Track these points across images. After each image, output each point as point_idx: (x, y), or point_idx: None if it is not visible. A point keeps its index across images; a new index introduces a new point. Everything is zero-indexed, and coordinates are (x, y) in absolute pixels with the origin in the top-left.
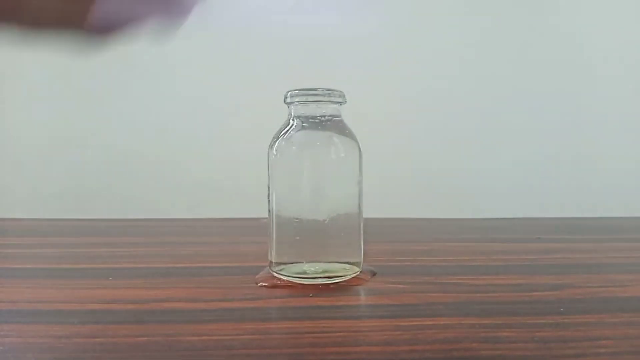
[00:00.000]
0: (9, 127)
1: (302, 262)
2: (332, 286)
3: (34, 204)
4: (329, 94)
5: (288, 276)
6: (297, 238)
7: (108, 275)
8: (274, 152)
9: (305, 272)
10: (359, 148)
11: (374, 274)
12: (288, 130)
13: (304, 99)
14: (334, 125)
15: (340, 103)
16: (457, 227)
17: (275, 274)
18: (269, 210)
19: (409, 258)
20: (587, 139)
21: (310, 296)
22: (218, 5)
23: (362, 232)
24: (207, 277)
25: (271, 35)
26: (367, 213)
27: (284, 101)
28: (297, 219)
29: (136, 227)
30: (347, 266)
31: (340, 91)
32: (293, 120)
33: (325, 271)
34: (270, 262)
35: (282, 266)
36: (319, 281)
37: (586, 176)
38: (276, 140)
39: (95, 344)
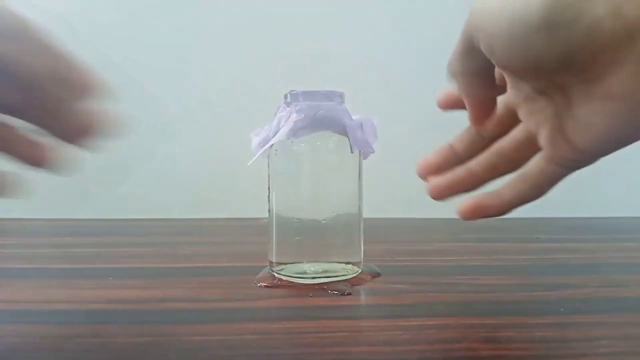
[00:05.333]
0: None
1: (302, 262)
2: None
3: (34, 204)
4: (329, 95)
5: (288, 276)
6: (297, 238)
7: (108, 275)
8: (274, 151)
9: (305, 272)
10: None
11: (377, 274)
12: None
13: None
14: None
15: (340, 103)
16: (457, 227)
17: (276, 274)
18: (269, 210)
19: (409, 258)
20: None
21: (310, 296)
22: (217, 8)
23: (362, 232)
24: (207, 277)
25: (270, 35)
26: (367, 213)
27: (284, 101)
28: (297, 219)
29: (136, 227)
30: (348, 266)
31: (341, 92)
32: None
33: (325, 271)
34: (270, 262)
35: (282, 266)
36: (319, 281)
37: (586, 176)
38: None
39: (95, 344)
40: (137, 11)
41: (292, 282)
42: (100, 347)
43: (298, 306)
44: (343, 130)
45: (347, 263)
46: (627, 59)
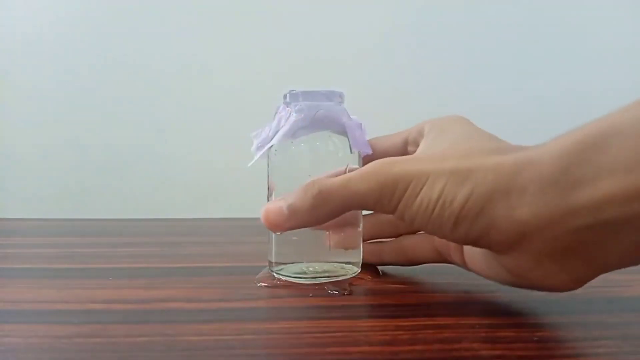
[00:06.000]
0: (9, 127)
1: (302, 262)
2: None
3: (34, 204)
4: (328, 95)
5: (287, 276)
6: (295, 238)
7: (108, 275)
8: (274, 151)
9: (304, 272)
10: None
11: (377, 274)
12: None
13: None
14: None
15: (340, 103)
16: None
17: (275, 274)
18: None
19: None
20: None
21: (310, 296)
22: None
23: (361, 231)
24: (207, 277)
25: (269, 35)
26: (367, 212)
27: (284, 101)
28: None
29: (136, 227)
30: (347, 266)
31: (340, 92)
32: None
33: (325, 271)
34: (270, 262)
35: (282, 266)
36: (319, 281)
37: None
38: None
39: (95, 344)
40: (136, 11)
41: (291, 282)
42: (100, 347)
43: (298, 306)
44: (342, 130)
45: (347, 263)
46: (522, 251)
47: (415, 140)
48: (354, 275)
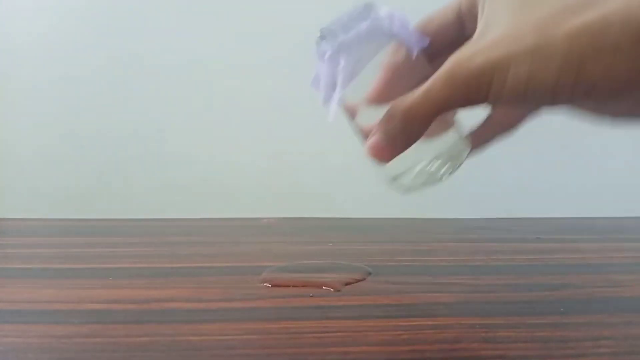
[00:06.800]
0: (9, 127)
1: (418, 165)
2: (333, 289)
3: (34, 204)
4: (363, 15)
5: (412, 185)
6: None
7: (108, 275)
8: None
9: (424, 170)
10: None
11: (369, 273)
12: None
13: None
14: None
15: (376, 16)
16: (457, 227)
17: (400, 188)
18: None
19: (409, 258)
20: (587, 138)
21: (311, 296)
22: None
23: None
24: (208, 277)
25: (269, 36)
26: (368, 213)
27: (320, 49)
28: None
29: (136, 227)
30: (459, 140)
31: (370, 3)
32: None
33: (443, 156)
34: (386, 181)
35: (398, 179)
36: (444, 171)
37: (586, 176)
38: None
39: (95, 344)
40: (136, 12)
41: (296, 281)
42: (100, 347)
43: (298, 306)
44: (395, 39)
45: (458, 140)
46: (627, 97)
47: (470, 11)
48: (469, 149)
